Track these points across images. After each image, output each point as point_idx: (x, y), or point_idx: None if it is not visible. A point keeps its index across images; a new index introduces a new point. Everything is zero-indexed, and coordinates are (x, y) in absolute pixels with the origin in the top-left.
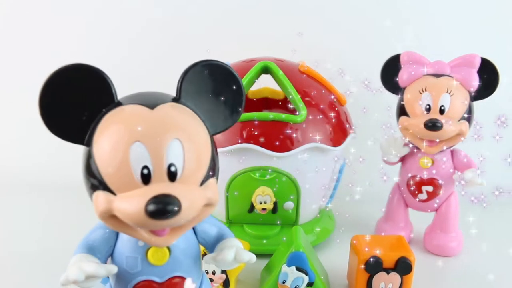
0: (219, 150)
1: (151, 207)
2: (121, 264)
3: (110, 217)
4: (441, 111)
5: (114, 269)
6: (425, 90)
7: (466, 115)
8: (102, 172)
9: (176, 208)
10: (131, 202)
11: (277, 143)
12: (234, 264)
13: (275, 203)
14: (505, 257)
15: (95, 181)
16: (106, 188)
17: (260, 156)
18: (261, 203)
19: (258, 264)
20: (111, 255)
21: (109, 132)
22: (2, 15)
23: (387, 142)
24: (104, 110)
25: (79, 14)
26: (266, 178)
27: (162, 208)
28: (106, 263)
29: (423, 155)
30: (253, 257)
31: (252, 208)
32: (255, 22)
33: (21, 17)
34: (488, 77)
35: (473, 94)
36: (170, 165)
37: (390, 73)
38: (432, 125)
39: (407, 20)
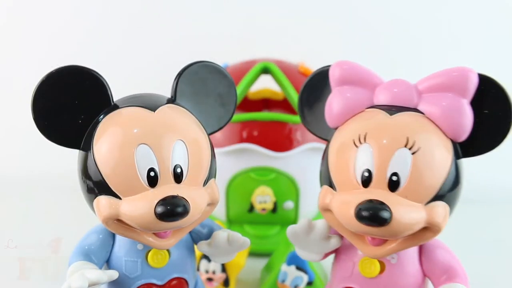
0: (219, 150)
1: (161, 209)
2: (120, 269)
3: (114, 221)
4: (393, 184)
5: (115, 274)
6: (365, 140)
7: (444, 191)
8: (106, 176)
9: (184, 209)
10: (140, 205)
11: (277, 143)
12: (228, 248)
13: (275, 203)
14: (502, 256)
15: (96, 186)
16: (109, 192)
17: (260, 156)
18: (260, 203)
19: (258, 263)
20: (107, 260)
21: (111, 136)
22: None
23: (300, 228)
24: (101, 113)
25: (72, 16)
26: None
27: (172, 209)
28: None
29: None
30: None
31: (251, 208)
32: (255, 23)
33: (17, 18)
34: (492, 111)
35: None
36: (175, 167)
37: (313, 100)
38: (370, 217)
39: (406, 22)
